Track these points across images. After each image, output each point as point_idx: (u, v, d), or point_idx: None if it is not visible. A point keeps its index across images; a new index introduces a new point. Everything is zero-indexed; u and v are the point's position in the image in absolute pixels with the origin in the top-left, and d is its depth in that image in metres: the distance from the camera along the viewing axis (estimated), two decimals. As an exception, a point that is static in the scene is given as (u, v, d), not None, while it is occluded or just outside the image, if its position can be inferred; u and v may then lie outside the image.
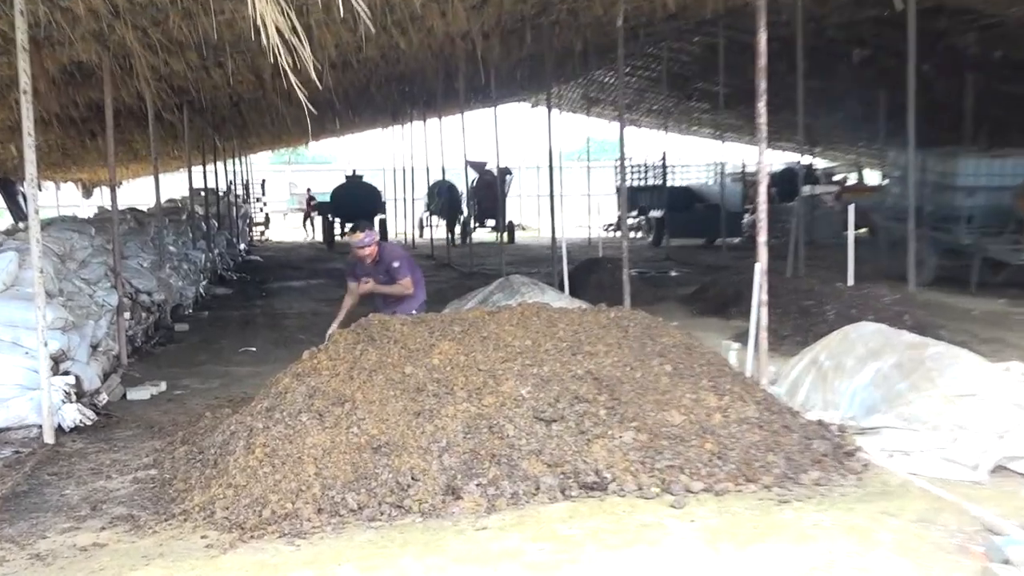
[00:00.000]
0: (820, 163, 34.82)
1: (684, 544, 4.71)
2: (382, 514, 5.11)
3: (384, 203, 32.29)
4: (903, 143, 13.42)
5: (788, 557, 4.55)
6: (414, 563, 4.56)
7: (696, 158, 34.58)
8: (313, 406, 5.79)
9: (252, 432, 5.74)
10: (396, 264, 8.26)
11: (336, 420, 5.67)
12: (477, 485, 5.30)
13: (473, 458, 5.46)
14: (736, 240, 26.95)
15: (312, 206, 36.87)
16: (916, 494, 5.36)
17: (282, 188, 42.21)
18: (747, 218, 27.64)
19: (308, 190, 39.16)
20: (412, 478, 5.30)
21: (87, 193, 33.85)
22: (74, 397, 7.58)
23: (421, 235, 35.78)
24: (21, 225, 15.58)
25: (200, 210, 22.62)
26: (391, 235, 32.73)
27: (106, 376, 9.06)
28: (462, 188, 32.74)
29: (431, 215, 32.02)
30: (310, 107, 5.27)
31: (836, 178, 32.28)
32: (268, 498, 5.17)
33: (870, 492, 5.39)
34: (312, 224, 37.04)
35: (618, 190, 26.95)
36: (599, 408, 5.89)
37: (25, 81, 6.72)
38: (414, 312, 7.79)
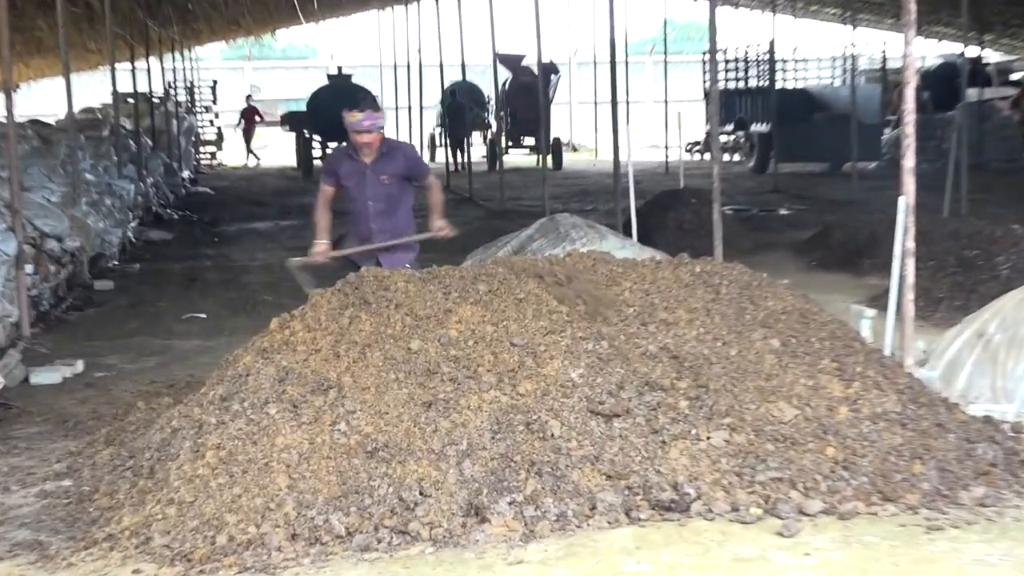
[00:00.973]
0: (992, 56, 34.38)
1: (795, 586, 4.71)
2: (379, 542, 5.12)
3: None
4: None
5: (940, 605, 4.55)
6: (423, 609, 4.61)
7: (817, 50, 34.18)
8: (285, 394, 5.81)
9: (202, 429, 5.77)
10: (418, 155, 8.01)
11: (316, 413, 5.69)
12: (510, 503, 5.30)
13: (504, 466, 5.47)
14: (872, 165, 26.71)
15: (253, 117, 36.71)
16: (1122, 520, 5.32)
17: (240, 93, 42.28)
18: (888, 134, 27.35)
19: (248, 97, 39.01)
20: (421, 493, 5.31)
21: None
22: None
23: (432, 158, 35.79)
24: None
25: (128, 124, 22.76)
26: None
27: (0, 352, 9.17)
28: (488, 92, 32.63)
29: (444, 130, 31.97)
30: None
31: (1015, 77, 31.83)
32: (224, 519, 5.21)
33: (1057, 516, 5.36)
34: (249, 148, 36.89)
35: (707, 95, 26.69)
36: (679, 398, 5.87)
37: None
38: (407, 266, 7.55)
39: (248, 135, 37.63)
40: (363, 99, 7.87)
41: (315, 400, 5.76)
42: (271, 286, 12.84)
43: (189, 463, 5.55)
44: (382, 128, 7.77)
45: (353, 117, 7.67)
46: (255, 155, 37.36)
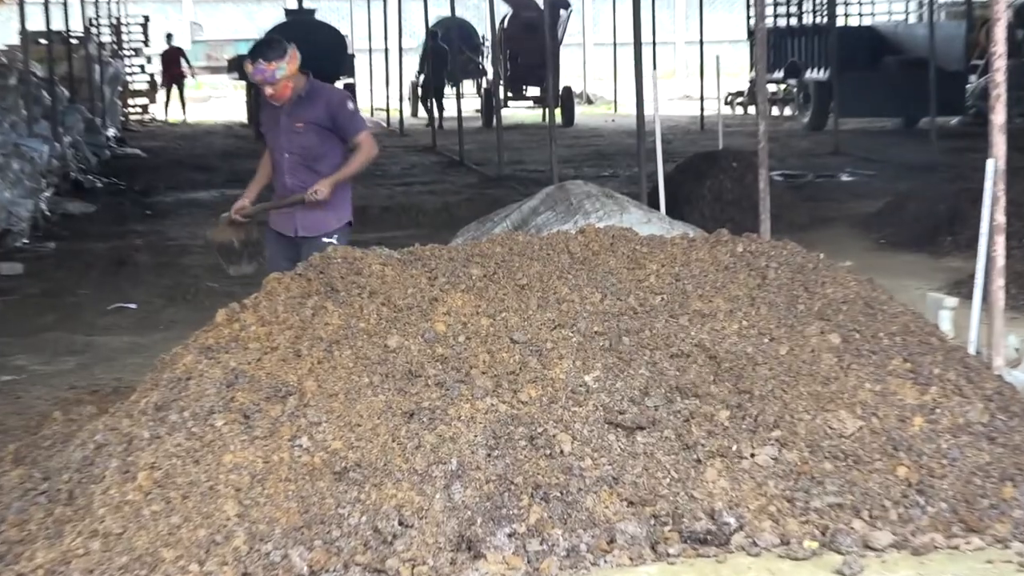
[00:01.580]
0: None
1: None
2: (350, 583, 5.17)
3: (351, 58, 32.27)
4: None
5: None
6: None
7: (887, -21, 34.17)
8: (234, 402, 5.82)
9: (132, 445, 5.76)
10: (350, 106, 8.08)
11: (273, 426, 5.70)
12: (510, 535, 5.32)
13: (503, 490, 5.48)
14: (954, 120, 26.68)
15: (177, 63, 36.47)
16: None
17: (178, 33, 42.25)
18: (974, 82, 27.30)
19: (169, 36, 38.60)
20: (400, 523, 5.33)
21: None
22: None
23: (414, 112, 35.80)
24: None
25: (40, 70, 22.71)
26: (365, 112, 32.63)
27: None
28: (483, 31, 32.59)
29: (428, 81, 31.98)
30: None
31: None
32: (159, 555, 5.22)
33: None
34: (179, 99, 36.61)
35: (752, 35, 26.54)
36: (717, 407, 5.89)
37: None
38: (335, 240, 7.79)
39: (172, 87, 36.96)
40: (261, 46, 8.04)
41: (271, 409, 5.77)
42: (216, 270, 12.80)
43: (117, 487, 5.54)
44: (279, 79, 7.85)
45: (247, 69, 7.93)
46: (183, 111, 36.92)
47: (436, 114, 30.75)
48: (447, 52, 26.78)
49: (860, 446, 5.77)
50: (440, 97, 31.49)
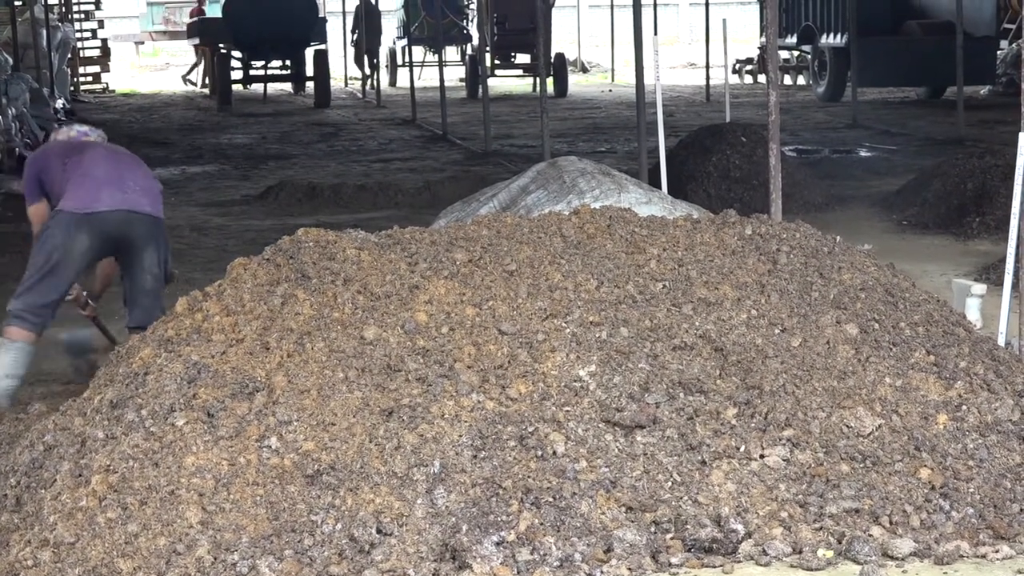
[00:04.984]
0: None
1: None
2: (323, 596, 5.18)
3: (323, 22, 32.24)
4: None
5: None
6: None
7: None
8: (196, 399, 5.84)
9: (85, 446, 5.79)
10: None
11: (239, 425, 5.72)
12: (498, 544, 5.35)
13: (491, 494, 5.51)
14: (983, 91, 26.69)
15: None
16: None
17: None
18: (1005, 49, 27.33)
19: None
20: (379, 531, 5.36)
21: None
22: None
23: (392, 82, 35.78)
24: None
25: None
26: (335, 81, 32.74)
27: None
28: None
29: (410, 43, 32.07)
30: None
31: None
32: (116, 566, 5.24)
33: None
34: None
35: (761, -4, 26.59)
36: (723, 404, 5.92)
37: None
38: None
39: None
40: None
41: (237, 407, 5.79)
42: (177, 254, 12.78)
43: (69, 492, 5.56)
44: None
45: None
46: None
47: (371, 75, 31.55)
48: (379, 12, 27.13)
49: (879, 446, 5.81)
50: (373, 58, 32.13)
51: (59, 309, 8.12)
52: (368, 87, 32.96)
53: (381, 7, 30.11)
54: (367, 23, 32.12)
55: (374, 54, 32.74)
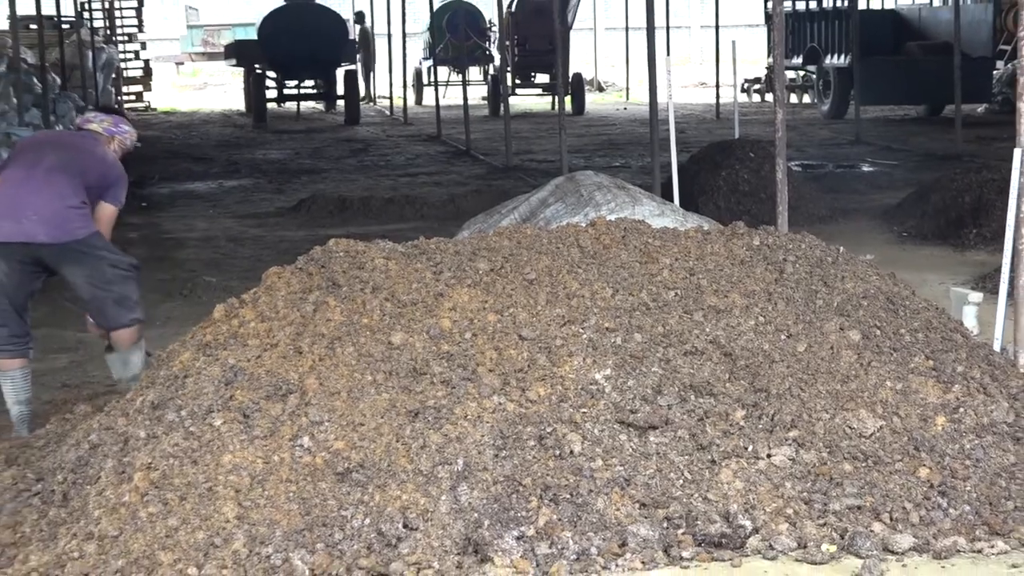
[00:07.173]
0: None
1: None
2: (353, 586, 5.23)
3: (353, 44, 32.33)
4: None
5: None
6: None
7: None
8: (233, 401, 5.88)
9: (128, 445, 5.84)
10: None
11: (273, 425, 5.77)
12: (518, 538, 5.39)
13: (511, 491, 5.55)
14: (980, 108, 26.62)
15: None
16: None
17: (174, 15, 42.31)
18: (1001, 69, 27.29)
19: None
20: (405, 525, 5.40)
21: None
22: None
23: (419, 99, 35.82)
24: None
25: (31, 57, 22.74)
26: (366, 99, 32.89)
27: None
28: (489, 15, 32.71)
29: (435, 63, 32.13)
30: None
31: None
32: (156, 558, 5.28)
33: None
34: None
35: (770, 19, 26.56)
36: (732, 406, 5.97)
37: None
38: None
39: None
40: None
41: (271, 408, 5.83)
42: (214, 264, 12.89)
43: (112, 488, 5.61)
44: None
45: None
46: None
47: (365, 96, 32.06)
48: (370, 35, 27.27)
49: (880, 446, 5.84)
50: (366, 78, 32.59)
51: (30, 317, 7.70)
52: (391, 105, 33.30)
53: (408, 29, 30.08)
54: (363, 47, 32.46)
55: (366, 74, 33.08)
